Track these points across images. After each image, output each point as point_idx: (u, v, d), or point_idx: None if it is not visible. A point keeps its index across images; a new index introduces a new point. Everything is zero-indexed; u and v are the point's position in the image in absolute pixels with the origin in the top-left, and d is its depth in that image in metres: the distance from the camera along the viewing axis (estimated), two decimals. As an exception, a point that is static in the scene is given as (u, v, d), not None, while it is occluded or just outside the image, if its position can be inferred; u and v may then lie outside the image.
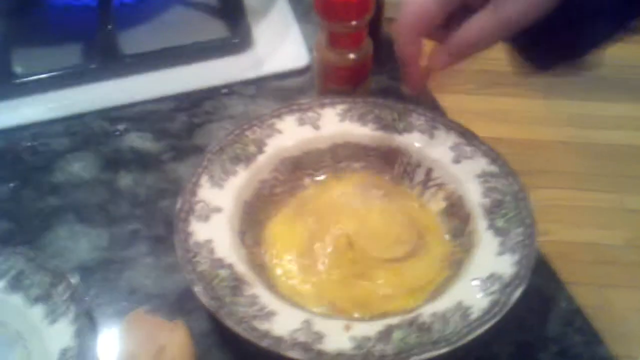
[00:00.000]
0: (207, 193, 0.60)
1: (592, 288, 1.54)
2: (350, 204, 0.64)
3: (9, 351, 0.54)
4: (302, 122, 0.67)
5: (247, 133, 0.65)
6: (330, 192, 0.65)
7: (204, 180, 0.61)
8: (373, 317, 0.54)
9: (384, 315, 0.54)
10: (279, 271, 0.59)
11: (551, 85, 2.00)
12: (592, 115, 1.94)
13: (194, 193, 0.60)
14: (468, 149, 0.64)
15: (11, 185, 0.69)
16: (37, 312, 0.55)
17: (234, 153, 0.64)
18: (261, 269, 0.58)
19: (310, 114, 0.67)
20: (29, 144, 0.73)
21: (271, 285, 0.56)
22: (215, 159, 0.63)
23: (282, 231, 0.62)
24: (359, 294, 0.57)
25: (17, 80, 0.78)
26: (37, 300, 0.55)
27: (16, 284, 0.56)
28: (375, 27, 0.76)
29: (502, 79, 2.00)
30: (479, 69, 2.01)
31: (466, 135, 0.65)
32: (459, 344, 0.49)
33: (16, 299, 0.56)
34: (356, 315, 0.55)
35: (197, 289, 0.53)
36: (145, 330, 0.51)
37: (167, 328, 0.52)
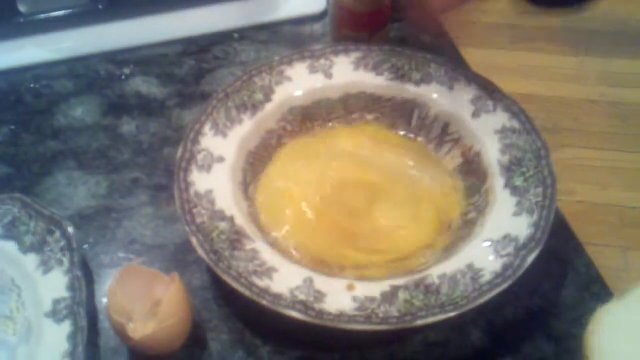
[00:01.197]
0: (210, 141, 0.58)
1: (615, 250, 1.50)
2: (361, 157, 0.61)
3: (2, 299, 0.52)
4: (313, 69, 0.63)
5: (255, 79, 0.62)
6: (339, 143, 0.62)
7: (207, 127, 0.58)
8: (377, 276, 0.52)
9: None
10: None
11: (582, 41, 1.94)
12: (623, 73, 1.87)
13: (196, 141, 0.57)
14: (489, 102, 0.60)
15: (11, 127, 0.66)
16: (31, 260, 0.53)
17: (240, 100, 0.61)
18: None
19: (322, 61, 0.64)
20: (31, 85, 0.70)
21: (272, 239, 0.54)
22: (220, 106, 0.60)
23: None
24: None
25: (22, 19, 0.75)
26: (31, 248, 0.53)
27: (11, 231, 0.54)
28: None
29: (532, 34, 1.94)
30: (509, 24, 1.95)
31: (487, 87, 0.61)
32: (467, 307, 0.47)
33: (10, 246, 0.54)
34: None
35: (195, 241, 0.50)
36: (140, 283, 0.49)
37: (163, 281, 0.49)
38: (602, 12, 1.97)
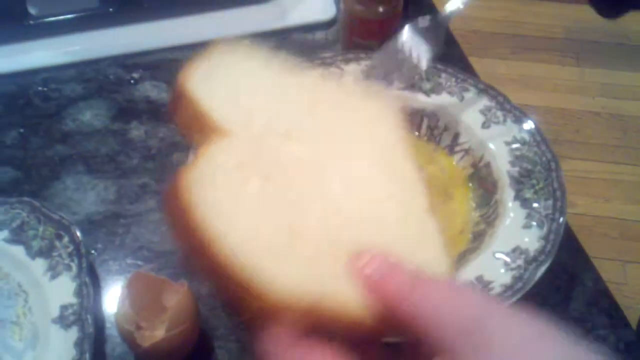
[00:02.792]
0: (221, 148, 0.57)
1: (616, 264, 1.50)
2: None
3: (9, 304, 0.52)
4: (324, 77, 0.63)
5: (266, 87, 0.62)
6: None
7: (218, 134, 0.58)
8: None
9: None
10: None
11: (585, 53, 1.94)
12: (625, 86, 1.87)
13: (206, 148, 0.57)
14: (499, 113, 0.60)
15: (20, 131, 0.66)
16: (39, 265, 0.52)
17: (251, 107, 0.60)
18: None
19: (332, 69, 0.64)
20: (40, 89, 0.70)
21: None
22: (230, 113, 0.60)
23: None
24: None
25: (31, 22, 0.75)
26: (39, 252, 0.53)
27: (19, 235, 0.54)
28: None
29: (535, 44, 1.94)
30: (513, 33, 1.95)
31: (498, 98, 0.61)
32: (478, 320, 0.46)
33: (18, 251, 0.53)
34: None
35: (205, 249, 0.50)
36: (148, 290, 0.49)
37: (172, 289, 0.49)
38: (602, 24, 1.97)
